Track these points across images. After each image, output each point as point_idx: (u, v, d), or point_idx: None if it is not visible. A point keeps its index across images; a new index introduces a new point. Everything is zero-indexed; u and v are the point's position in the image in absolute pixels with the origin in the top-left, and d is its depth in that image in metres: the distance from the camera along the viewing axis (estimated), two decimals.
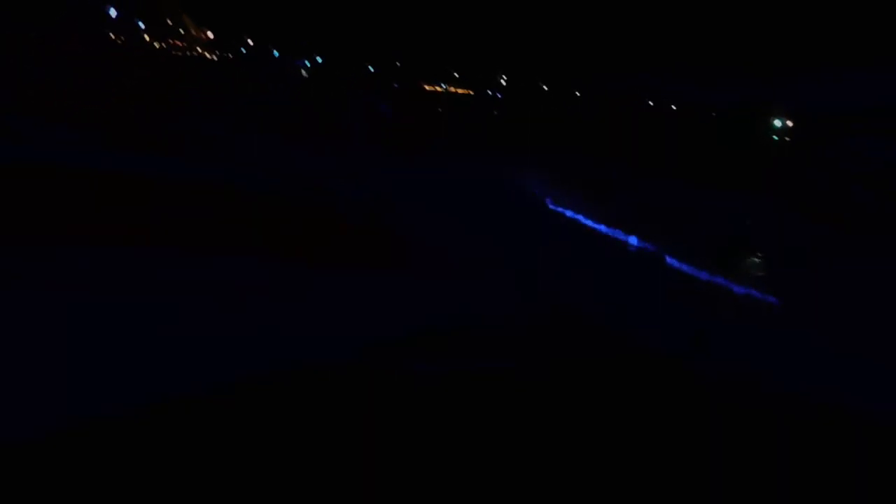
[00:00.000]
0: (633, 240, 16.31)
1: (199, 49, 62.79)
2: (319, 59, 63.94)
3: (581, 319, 10.91)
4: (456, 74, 64.53)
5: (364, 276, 12.08)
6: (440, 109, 57.83)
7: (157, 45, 59.78)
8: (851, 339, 11.18)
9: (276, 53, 65.12)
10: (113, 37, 53.24)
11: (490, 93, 62.95)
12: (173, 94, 34.61)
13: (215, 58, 60.96)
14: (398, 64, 62.88)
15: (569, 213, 19.36)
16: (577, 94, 58.12)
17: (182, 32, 63.17)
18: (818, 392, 9.35)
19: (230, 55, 63.39)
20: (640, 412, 7.99)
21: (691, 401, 8.63)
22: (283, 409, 6.97)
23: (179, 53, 58.98)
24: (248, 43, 65.12)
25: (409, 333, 9.53)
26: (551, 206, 20.18)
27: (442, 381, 8.19)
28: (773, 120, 37.88)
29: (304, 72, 64.08)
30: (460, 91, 63.59)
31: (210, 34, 64.85)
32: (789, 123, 37.76)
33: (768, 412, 8.58)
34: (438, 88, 64.22)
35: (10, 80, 26.99)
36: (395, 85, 61.67)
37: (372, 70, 62.95)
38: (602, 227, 16.94)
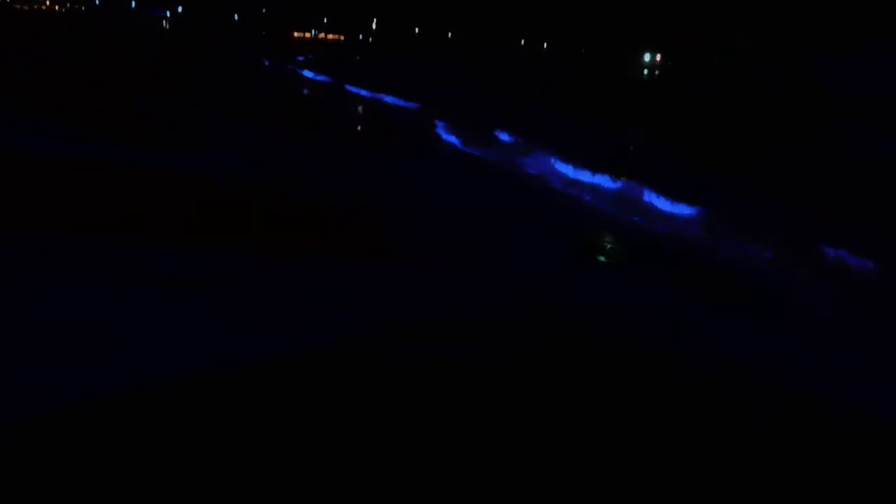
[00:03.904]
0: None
1: (46, 3, 58.99)
2: (180, 10, 61.19)
3: (554, 311, 10.74)
4: (326, 20, 62.87)
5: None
6: (311, 56, 56.49)
7: None
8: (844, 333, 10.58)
9: (133, 5, 62.04)
10: None
11: (361, 37, 61.55)
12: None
13: (64, 11, 57.33)
14: (264, 11, 60.67)
15: None
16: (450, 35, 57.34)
17: None
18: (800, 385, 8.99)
19: (82, 7, 59.92)
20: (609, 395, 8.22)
21: (668, 390, 8.66)
22: (263, 397, 7.22)
23: (24, 7, 55.10)
24: None
25: (386, 322, 9.65)
26: None
27: (420, 367, 8.39)
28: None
29: (165, 23, 61.13)
30: (331, 37, 62.15)
31: None
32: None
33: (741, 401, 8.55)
34: (308, 35, 62.55)
35: None
36: (264, 32, 59.61)
37: (237, 18, 60.57)
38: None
